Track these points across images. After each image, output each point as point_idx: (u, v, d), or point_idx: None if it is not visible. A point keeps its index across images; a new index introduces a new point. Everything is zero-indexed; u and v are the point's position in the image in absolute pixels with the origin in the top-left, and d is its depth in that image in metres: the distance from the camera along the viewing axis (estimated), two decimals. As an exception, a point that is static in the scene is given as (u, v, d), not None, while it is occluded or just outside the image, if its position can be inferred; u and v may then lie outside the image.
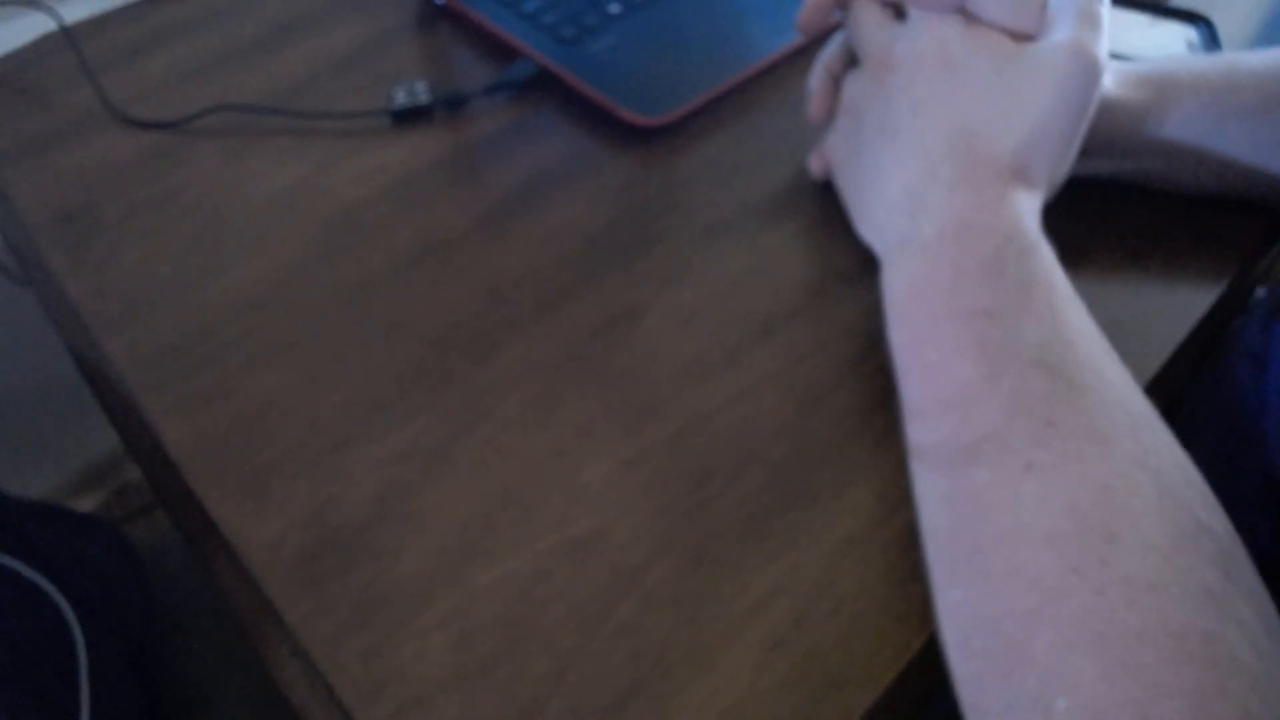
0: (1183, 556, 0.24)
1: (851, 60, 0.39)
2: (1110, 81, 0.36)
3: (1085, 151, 0.34)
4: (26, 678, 0.44)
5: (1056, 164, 0.33)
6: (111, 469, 0.84)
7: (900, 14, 0.36)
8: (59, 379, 0.60)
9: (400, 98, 0.47)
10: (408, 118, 0.47)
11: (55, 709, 0.44)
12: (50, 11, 0.54)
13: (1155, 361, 0.35)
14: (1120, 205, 0.40)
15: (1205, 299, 0.38)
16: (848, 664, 0.28)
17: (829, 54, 0.40)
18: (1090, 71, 0.31)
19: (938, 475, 0.28)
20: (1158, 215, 0.40)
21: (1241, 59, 0.37)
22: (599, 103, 0.46)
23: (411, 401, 0.35)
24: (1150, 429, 0.27)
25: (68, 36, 0.53)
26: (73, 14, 0.55)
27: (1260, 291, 0.45)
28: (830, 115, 0.40)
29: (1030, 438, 0.26)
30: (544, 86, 0.49)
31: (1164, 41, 0.47)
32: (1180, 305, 0.37)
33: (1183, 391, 0.46)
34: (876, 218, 0.35)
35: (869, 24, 0.36)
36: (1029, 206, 0.31)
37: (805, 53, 0.48)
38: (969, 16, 0.34)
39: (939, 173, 0.32)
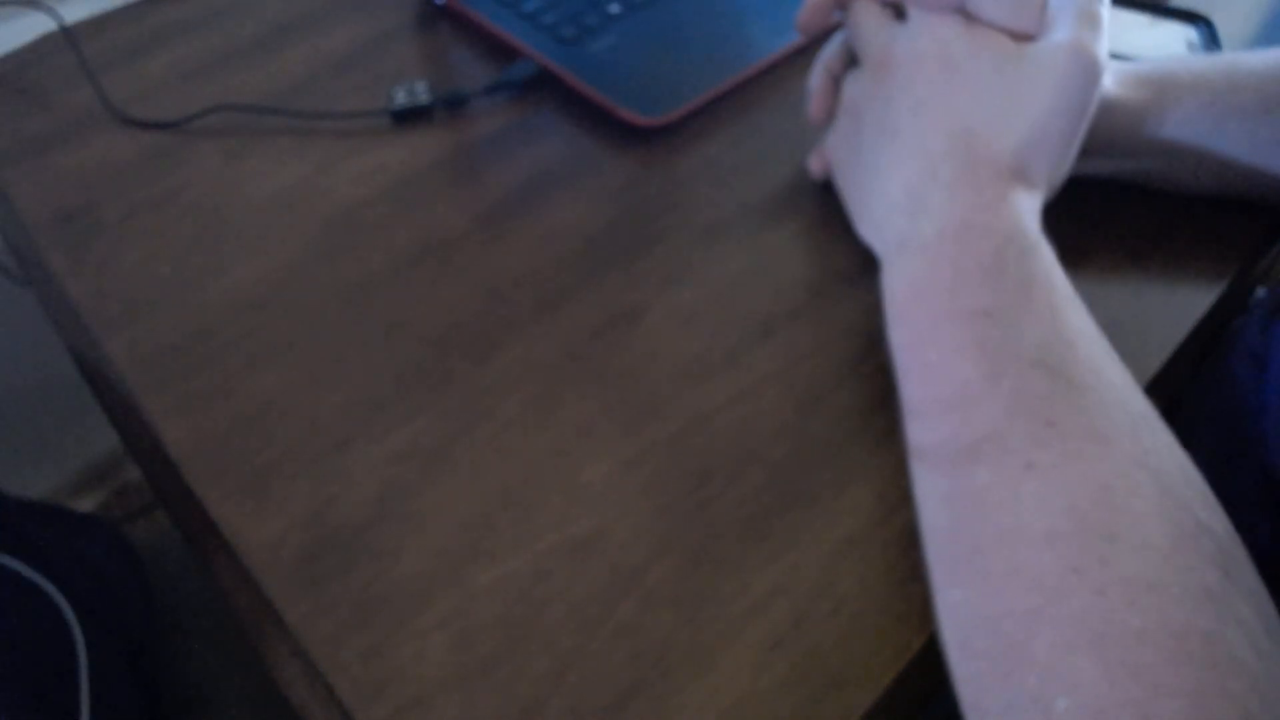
0: (1183, 556, 0.24)
1: (852, 60, 0.39)
2: (1110, 81, 0.36)
3: (1085, 151, 0.34)
4: (26, 678, 0.44)
5: (1056, 164, 0.33)
6: (111, 469, 0.84)
7: (900, 14, 0.36)
8: (59, 379, 0.60)
9: (400, 98, 0.47)
10: (408, 118, 0.47)
11: (55, 709, 0.44)
12: (50, 11, 0.54)
13: (1155, 361, 0.35)
14: (1120, 205, 0.40)
15: (1205, 299, 0.38)
16: (848, 664, 0.28)
17: (829, 54, 0.40)
18: (1090, 72, 0.31)
19: (938, 475, 0.28)
20: (1158, 215, 0.40)
21: (1241, 59, 0.37)
22: (599, 103, 0.46)
23: (411, 401, 0.35)
24: (1150, 429, 0.27)
25: (68, 36, 0.53)
26: (73, 14, 0.55)
27: (1260, 291, 0.45)
28: (830, 115, 0.40)
29: (1030, 438, 0.26)
30: (544, 86, 0.49)
31: (1164, 41, 0.47)
32: (1180, 305, 0.37)
33: (1183, 391, 0.46)
34: (876, 218, 0.35)
35: (869, 24, 0.36)
36: (1029, 207, 0.31)
37: (805, 53, 0.48)
38: (969, 17, 0.34)
39: (939, 173, 0.32)
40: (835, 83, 0.39)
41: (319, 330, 0.38)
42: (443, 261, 0.40)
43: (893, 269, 0.32)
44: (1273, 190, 0.38)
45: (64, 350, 0.43)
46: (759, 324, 0.37)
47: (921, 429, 0.29)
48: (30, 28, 0.54)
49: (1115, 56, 0.40)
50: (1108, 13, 0.33)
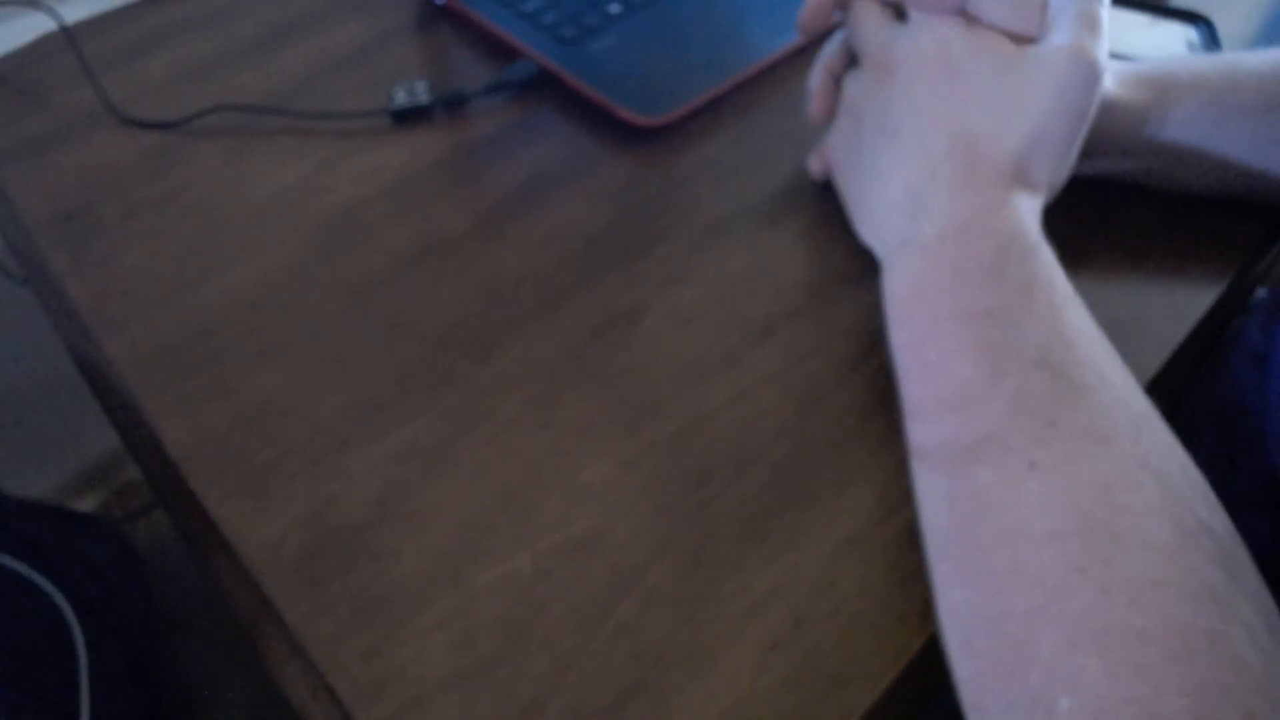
0: (1185, 556, 0.24)
1: (852, 60, 0.39)
2: (1111, 82, 0.36)
3: (1086, 152, 0.34)
4: (26, 678, 0.44)
5: (1057, 166, 0.33)
6: (111, 469, 0.84)
7: (901, 14, 0.36)
8: (59, 379, 0.60)
9: (400, 98, 0.47)
10: (408, 118, 0.47)
11: (55, 709, 0.44)
12: (50, 11, 0.54)
13: (1155, 361, 0.35)
14: (1120, 205, 0.40)
15: (1205, 299, 0.38)
16: (848, 664, 0.28)
17: (829, 53, 0.40)
18: (1090, 74, 0.31)
19: (939, 475, 0.28)
20: (1158, 215, 0.40)
21: (1241, 59, 0.37)
22: (599, 103, 0.46)
23: (411, 401, 0.35)
24: (1151, 429, 0.27)
25: (68, 36, 0.53)
26: (73, 14, 0.55)
27: (1260, 291, 0.45)
28: (831, 115, 0.40)
29: (1032, 437, 0.26)
30: (544, 86, 0.49)
31: (1164, 41, 0.47)
32: (1180, 305, 0.37)
33: (1183, 391, 0.46)
34: (877, 218, 0.35)
35: (870, 25, 0.36)
36: (1029, 208, 0.31)
37: (805, 53, 0.48)
38: (970, 18, 0.34)
39: (940, 174, 0.32)
40: (836, 82, 0.39)
41: (319, 330, 0.38)
42: (443, 261, 0.40)
43: (893, 270, 0.32)
44: (1273, 190, 0.38)
45: (64, 350, 0.43)
46: (759, 324, 0.37)
47: (922, 429, 0.29)
48: (30, 28, 0.54)
49: (1115, 56, 0.40)
50: (1108, 14, 0.33)
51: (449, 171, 0.45)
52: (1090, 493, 0.25)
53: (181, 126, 0.48)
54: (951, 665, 0.26)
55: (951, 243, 0.30)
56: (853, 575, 0.30)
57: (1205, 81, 0.37)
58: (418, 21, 0.54)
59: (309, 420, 0.35)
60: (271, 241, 0.42)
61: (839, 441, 0.34)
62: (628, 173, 0.44)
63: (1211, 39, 0.46)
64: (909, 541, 0.30)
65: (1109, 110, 0.36)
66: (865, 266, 0.36)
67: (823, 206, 0.41)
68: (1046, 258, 0.30)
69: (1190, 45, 0.46)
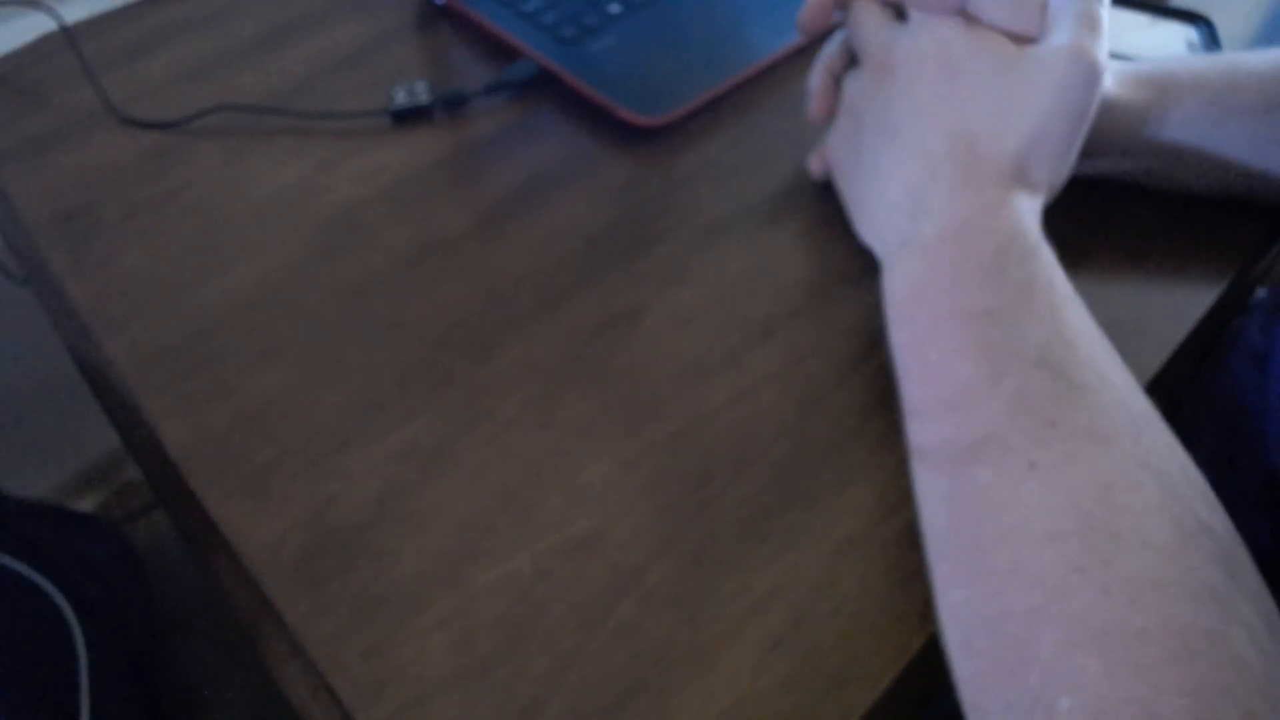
0: (1185, 556, 0.24)
1: (852, 59, 0.39)
2: (1110, 81, 0.36)
3: (1086, 152, 0.34)
4: (26, 678, 0.44)
5: (1057, 167, 0.33)
6: (111, 469, 0.84)
7: (901, 14, 0.36)
8: (59, 379, 0.60)
9: (400, 98, 0.47)
10: (408, 118, 0.47)
11: (55, 709, 0.44)
12: (50, 11, 0.54)
13: (1155, 361, 0.35)
14: (1120, 205, 0.40)
15: (1205, 299, 0.38)
16: (848, 664, 0.28)
17: (829, 53, 0.40)
18: (1090, 75, 0.31)
19: (939, 475, 0.28)
20: (1158, 215, 0.40)
21: (1241, 59, 0.37)
22: (599, 103, 0.46)
23: (411, 401, 0.35)
24: (1152, 429, 0.27)
25: (68, 36, 0.53)
26: (73, 14, 0.55)
27: (1260, 291, 0.45)
28: (831, 115, 0.40)
29: (1032, 437, 0.26)
30: (544, 86, 0.49)
31: (1164, 41, 0.47)
32: (1180, 305, 0.37)
33: (1183, 392, 0.46)
34: (877, 218, 0.35)
35: (870, 24, 0.36)
36: (1029, 209, 0.31)
37: (805, 53, 0.48)
38: (970, 18, 0.34)
39: (940, 174, 0.32)
40: (836, 82, 0.39)
41: (319, 330, 0.38)
42: (443, 261, 0.40)
43: (893, 270, 0.32)
44: (1273, 190, 0.38)
45: (64, 350, 0.43)
46: (759, 324, 0.37)
47: (922, 429, 0.29)
48: (30, 28, 0.54)
49: (1115, 56, 0.40)
50: (1108, 14, 0.33)
51: (449, 171, 0.45)
52: (1090, 493, 0.25)
53: (181, 126, 0.48)
54: (951, 665, 0.26)
55: (951, 243, 0.30)
56: (853, 575, 0.30)
57: (1205, 81, 0.37)
58: (418, 21, 0.54)
59: (309, 420, 0.35)
60: (271, 241, 0.42)
61: (839, 441, 0.34)
62: (628, 173, 0.44)
63: (1211, 39, 0.46)
64: (909, 541, 0.30)
65: (1109, 110, 0.36)
66: (865, 266, 0.36)
67: (823, 206, 0.41)
68: (1046, 258, 0.30)
69: (1190, 45, 0.46)
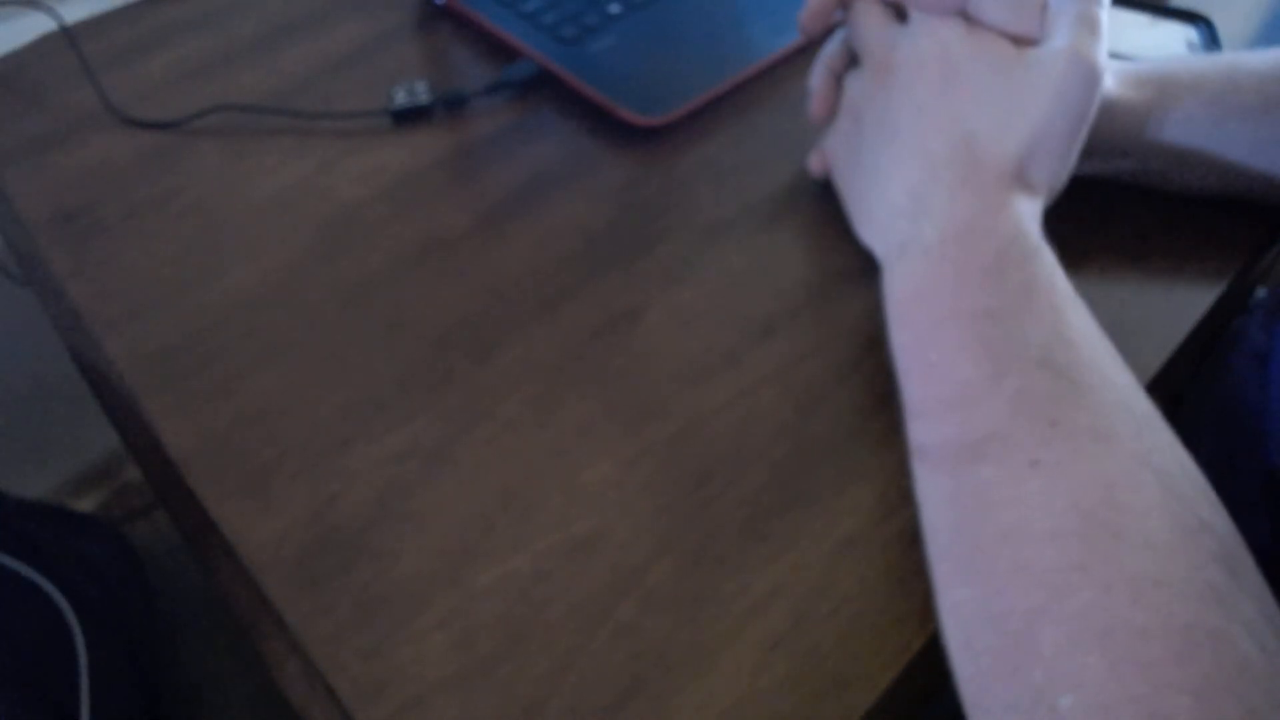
0: (1187, 554, 0.24)
1: (853, 59, 0.39)
2: (1111, 82, 0.36)
3: (1086, 152, 0.34)
4: (26, 678, 0.44)
5: (1057, 168, 0.33)
6: (111, 469, 0.83)
7: (902, 15, 0.36)
8: (59, 379, 0.60)
9: (400, 98, 0.47)
10: (408, 118, 0.47)
11: (55, 709, 0.44)
12: (50, 11, 0.54)
13: (1155, 361, 0.35)
14: (1120, 205, 0.40)
15: (1205, 299, 0.38)
16: (848, 664, 0.28)
17: (830, 52, 0.40)
18: (1089, 77, 0.32)
19: (940, 475, 0.28)
20: (1158, 215, 0.40)
21: (1241, 59, 0.37)
22: (599, 103, 0.46)
23: (411, 401, 0.35)
24: (1153, 428, 0.27)
25: (68, 36, 0.53)
26: (73, 14, 0.55)
27: (1261, 291, 0.45)
28: (832, 114, 0.39)
29: (1033, 436, 0.26)
30: (544, 86, 0.49)
31: (1164, 41, 0.47)
32: (1180, 305, 0.37)
33: (1184, 391, 0.46)
34: (877, 219, 0.35)
35: (870, 25, 0.36)
36: (1030, 211, 0.31)
37: (805, 53, 0.48)
38: (970, 20, 0.34)
39: (940, 176, 0.32)
40: (837, 81, 0.39)
41: (319, 330, 0.38)
42: (443, 261, 0.40)
43: (894, 271, 0.32)
44: (1273, 190, 0.38)
45: (64, 350, 0.43)
46: (759, 324, 0.37)
47: (924, 429, 0.29)
48: (30, 28, 0.54)
49: (1115, 56, 0.40)
50: (1107, 15, 0.33)
51: (449, 171, 0.45)
52: (1092, 491, 0.25)
53: (181, 126, 0.48)
54: (953, 664, 0.26)
55: (952, 244, 0.30)
56: (853, 575, 0.30)
57: (1205, 81, 0.37)
58: (418, 21, 0.54)
59: (309, 420, 0.35)
60: (271, 241, 0.42)
61: (839, 441, 0.34)
62: (628, 173, 0.44)
63: (1211, 39, 0.46)
64: (909, 541, 0.30)
65: (1109, 110, 0.36)
66: (865, 266, 0.36)
67: (823, 206, 0.41)
68: (1047, 259, 0.30)
69: (1190, 45, 0.46)
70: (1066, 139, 0.32)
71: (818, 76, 0.40)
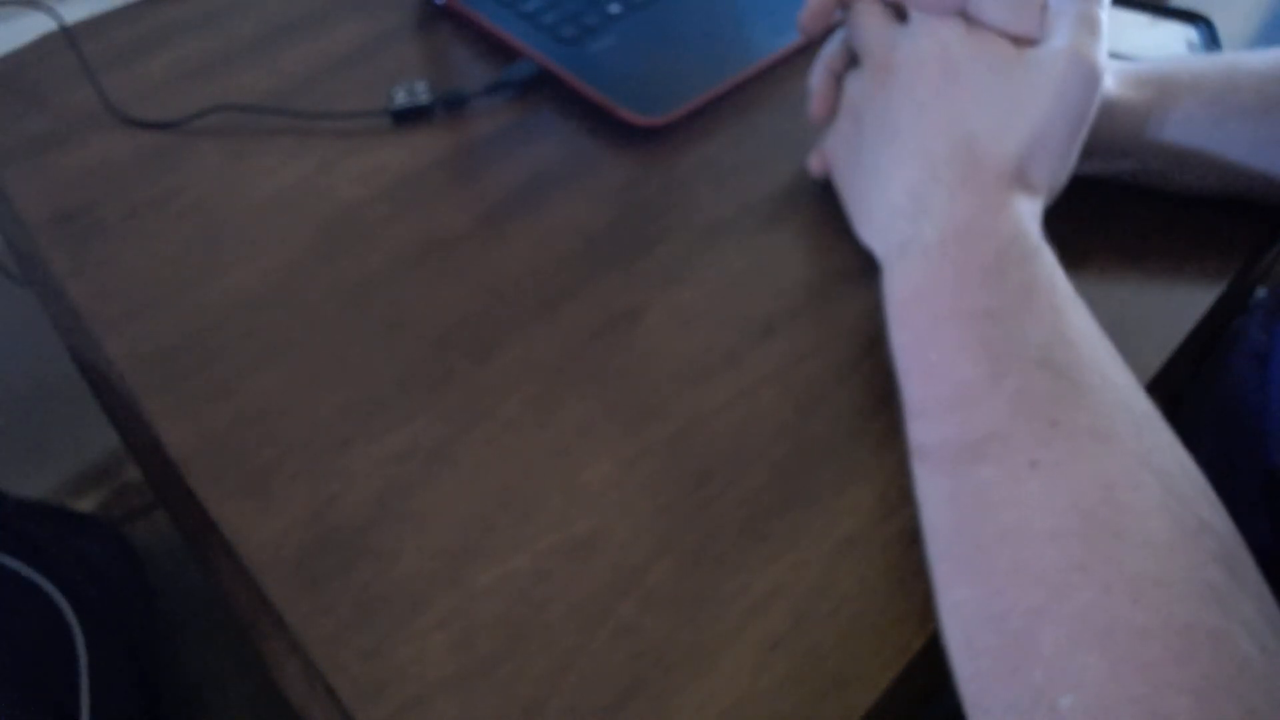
0: (1187, 554, 0.24)
1: (853, 59, 0.39)
2: (1111, 82, 0.36)
3: (1086, 152, 0.34)
4: (26, 678, 0.44)
5: (1057, 169, 0.33)
6: (111, 469, 0.84)
7: (902, 15, 0.36)
8: (59, 379, 0.60)
9: (400, 98, 0.47)
10: (408, 118, 0.47)
11: (55, 709, 0.44)
12: (50, 11, 0.54)
13: (1155, 361, 0.35)
14: (1120, 205, 0.40)
15: (1205, 299, 0.38)
16: (848, 664, 0.28)
17: (830, 52, 0.40)
18: (1089, 78, 0.32)
19: (940, 475, 0.28)
20: (1158, 215, 0.40)
21: (1241, 59, 0.37)
22: (599, 103, 0.46)
23: (411, 401, 0.35)
24: (1153, 428, 0.27)
25: (68, 36, 0.53)
26: (73, 14, 0.55)
27: (1261, 291, 0.45)
28: (832, 114, 0.40)
29: (1033, 436, 0.26)
30: (544, 86, 0.49)
31: (1164, 41, 0.47)
32: (1180, 305, 0.37)
33: (1184, 391, 0.46)
34: (877, 220, 0.35)
35: (870, 25, 0.36)
36: (1030, 211, 0.31)
37: (805, 53, 0.48)
38: (970, 20, 0.34)
39: (940, 176, 0.32)
40: (837, 81, 0.39)
41: (319, 330, 0.38)
42: (443, 261, 0.40)
43: (894, 271, 0.32)
44: (1273, 190, 0.38)
45: (64, 350, 0.43)
46: (759, 324, 0.37)
47: (924, 429, 0.29)
48: (30, 28, 0.54)
49: (1115, 56, 0.40)
50: (1107, 16, 0.33)
51: (449, 171, 0.45)
52: (1092, 491, 0.25)
53: (181, 126, 0.48)
54: (953, 664, 0.26)
55: (952, 244, 0.30)
56: (853, 575, 0.30)
57: (1205, 81, 0.37)
58: (418, 21, 0.54)
59: (309, 420, 0.35)
60: (271, 241, 0.42)
61: (839, 441, 0.34)
62: (628, 173, 0.44)
63: (1211, 39, 0.46)
64: (909, 541, 0.30)
65: (1109, 110, 0.36)
66: (865, 266, 0.36)
67: (823, 206, 0.41)
68: (1047, 259, 0.30)
69: (1190, 45, 0.46)
70: (1066, 139, 0.32)
71: (818, 76, 0.40)
